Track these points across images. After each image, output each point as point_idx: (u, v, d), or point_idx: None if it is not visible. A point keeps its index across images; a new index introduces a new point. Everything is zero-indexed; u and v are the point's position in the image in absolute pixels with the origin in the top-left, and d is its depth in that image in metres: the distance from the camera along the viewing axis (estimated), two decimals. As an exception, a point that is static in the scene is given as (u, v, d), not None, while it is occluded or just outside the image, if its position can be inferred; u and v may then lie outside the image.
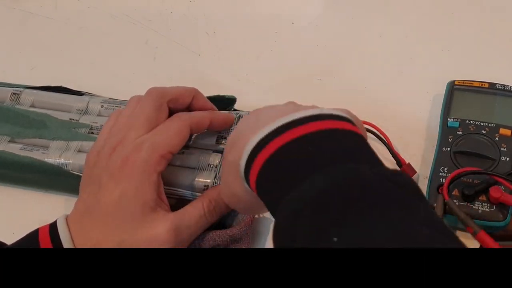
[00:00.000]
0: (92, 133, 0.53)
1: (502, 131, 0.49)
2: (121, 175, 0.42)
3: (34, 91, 0.57)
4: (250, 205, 0.39)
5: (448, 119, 0.51)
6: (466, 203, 0.46)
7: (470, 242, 0.46)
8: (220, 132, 0.50)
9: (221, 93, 0.55)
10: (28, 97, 0.56)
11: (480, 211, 0.45)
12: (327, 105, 0.56)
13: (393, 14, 0.65)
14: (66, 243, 0.41)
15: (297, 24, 0.66)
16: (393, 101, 0.57)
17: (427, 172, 0.49)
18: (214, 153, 0.49)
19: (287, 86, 0.60)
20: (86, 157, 0.46)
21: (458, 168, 0.47)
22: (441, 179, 0.47)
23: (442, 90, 0.54)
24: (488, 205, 0.45)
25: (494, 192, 0.45)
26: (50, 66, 0.64)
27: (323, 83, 0.60)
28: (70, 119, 0.54)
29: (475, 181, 0.47)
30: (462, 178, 0.47)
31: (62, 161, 0.51)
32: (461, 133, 0.50)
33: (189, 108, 0.49)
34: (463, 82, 0.54)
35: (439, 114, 0.52)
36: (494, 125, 0.50)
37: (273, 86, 0.60)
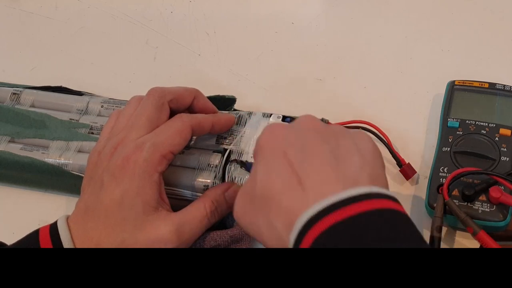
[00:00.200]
0: (92, 133, 0.53)
1: (502, 131, 0.49)
2: (122, 175, 0.42)
3: (34, 91, 0.57)
4: (268, 241, 0.38)
5: (448, 119, 0.51)
6: (466, 203, 0.46)
7: (470, 242, 0.46)
8: None
9: (221, 93, 0.55)
10: (28, 97, 0.56)
11: (480, 211, 0.45)
12: (327, 105, 0.56)
13: (393, 14, 0.65)
14: (67, 243, 0.41)
15: (297, 24, 0.66)
16: (393, 101, 0.57)
17: (427, 172, 0.49)
18: (214, 153, 0.49)
19: (287, 86, 0.60)
20: (88, 158, 0.46)
21: (458, 168, 0.47)
22: (441, 179, 0.47)
23: (442, 90, 0.54)
24: (488, 205, 0.45)
25: (494, 192, 0.45)
26: (50, 66, 0.64)
27: (323, 83, 0.60)
28: (70, 119, 0.54)
29: (475, 181, 0.47)
30: (462, 178, 0.47)
31: (62, 161, 0.51)
32: (461, 133, 0.50)
33: (190, 108, 0.49)
34: (463, 82, 0.54)
35: (439, 114, 0.52)
36: (494, 125, 0.50)
37: (273, 86, 0.60)
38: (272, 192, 0.36)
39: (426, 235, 0.45)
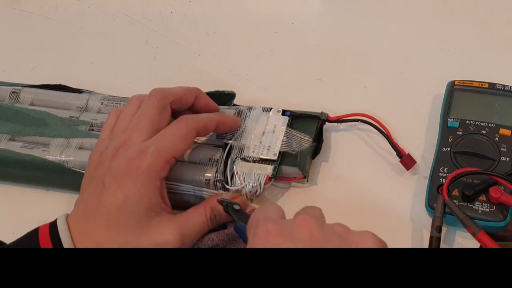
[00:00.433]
0: (93, 130, 0.53)
1: (502, 131, 0.49)
2: (124, 178, 0.42)
3: (33, 89, 0.57)
4: None
5: (448, 119, 0.51)
6: (466, 203, 0.46)
7: (470, 242, 0.46)
8: None
9: (221, 93, 0.55)
10: (27, 95, 0.56)
11: (480, 211, 0.45)
12: (327, 105, 0.56)
13: (393, 14, 0.65)
14: (66, 243, 0.41)
15: (297, 24, 0.66)
16: (393, 101, 0.57)
17: (427, 172, 0.49)
18: (216, 147, 0.49)
19: (287, 86, 0.60)
20: (89, 158, 0.46)
21: (458, 168, 0.47)
22: (441, 179, 0.47)
23: (442, 90, 0.54)
24: (488, 205, 0.45)
25: (494, 192, 0.45)
26: (50, 66, 0.64)
27: (323, 83, 0.60)
28: (70, 116, 0.54)
29: (475, 181, 0.47)
30: (462, 178, 0.47)
31: (63, 158, 0.51)
32: (461, 133, 0.50)
33: (191, 108, 0.49)
34: (463, 82, 0.54)
35: (439, 114, 0.52)
36: (494, 125, 0.50)
37: (273, 86, 0.60)
38: None
39: (426, 235, 0.45)
